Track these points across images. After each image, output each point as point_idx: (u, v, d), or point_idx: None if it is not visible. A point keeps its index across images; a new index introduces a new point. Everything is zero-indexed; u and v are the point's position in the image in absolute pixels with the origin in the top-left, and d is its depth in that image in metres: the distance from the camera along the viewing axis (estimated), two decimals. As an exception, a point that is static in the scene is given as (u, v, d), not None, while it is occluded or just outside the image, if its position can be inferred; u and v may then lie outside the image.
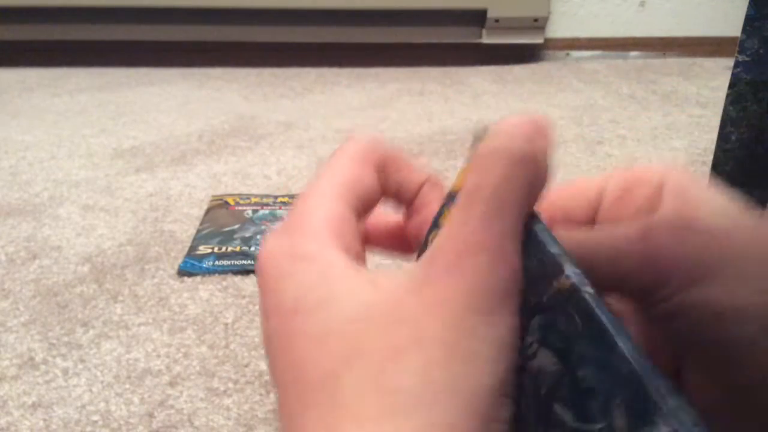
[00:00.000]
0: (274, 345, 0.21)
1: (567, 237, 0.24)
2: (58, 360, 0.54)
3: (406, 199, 0.26)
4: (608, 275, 0.23)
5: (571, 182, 0.29)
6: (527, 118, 0.24)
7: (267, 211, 0.78)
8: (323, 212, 0.23)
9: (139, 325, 0.58)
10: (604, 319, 0.21)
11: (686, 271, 0.22)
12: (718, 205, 0.25)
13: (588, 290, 0.21)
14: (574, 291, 0.21)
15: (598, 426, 0.21)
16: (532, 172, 0.22)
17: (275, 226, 0.23)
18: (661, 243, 0.23)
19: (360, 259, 0.22)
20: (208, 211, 0.78)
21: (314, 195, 0.23)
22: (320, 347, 0.20)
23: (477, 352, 0.19)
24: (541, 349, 0.22)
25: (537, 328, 0.22)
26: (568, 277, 0.21)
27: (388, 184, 0.25)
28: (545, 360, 0.22)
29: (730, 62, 0.88)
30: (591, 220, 0.28)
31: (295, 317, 0.21)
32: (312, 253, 0.22)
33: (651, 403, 0.19)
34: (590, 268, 0.23)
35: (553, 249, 0.22)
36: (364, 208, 0.24)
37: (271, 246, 0.22)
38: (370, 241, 0.28)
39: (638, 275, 0.23)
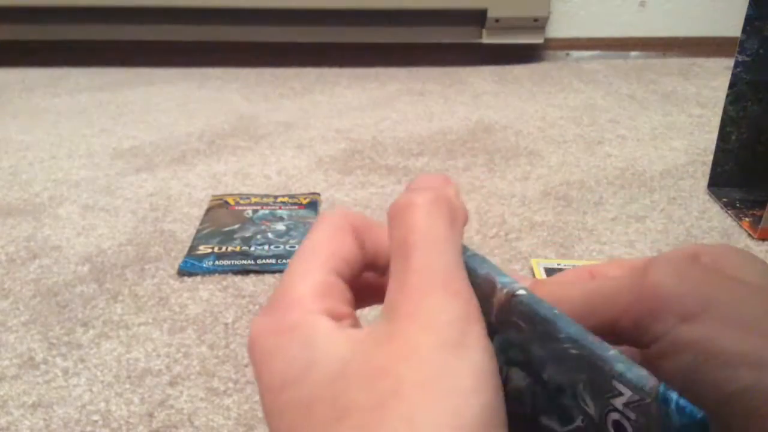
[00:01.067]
0: (269, 422, 0.22)
1: (573, 284, 0.25)
2: (58, 360, 0.54)
3: (384, 265, 0.27)
4: (607, 313, 0.24)
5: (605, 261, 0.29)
6: (430, 174, 0.25)
7: (267, 211, 0.78)
8: (306, 282, 0.23)
9: (139, 324, 0.58)
10: (542, 311, 0.21)
11: (682, 305, 0.22)
12: (749, 267, 0.25)
13: (522, 292, 0.22)
14: (511, 297, 0.22)
15: (579, 420, 0.21)
16: (449, 209, 0.23)
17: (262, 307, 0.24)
18: (659, 276, 0.23)
19: (348, 319, 0.23)
20: (208, 211, 0.78)
21: (296, 267, 0.24)
22: (309, 415, 0.20)
23: (456, 387, 0.19)
24: (510, 369, 0.23)
25: (499, 350, 0.23)
26: (502, 287, 0.22)
27: (365, 252, 0.26)
28: (517, 378, 0.23)
29: (730, 62, 0.88)
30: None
31: (283, 393, 0.21)
32: (295, 322, 0.22)
33: (606, 373, 0.19)
34: (590, 308, 0.23)
35: (483, 270, 0.23)
36: (350, 272, 0.25)
37: (257, 326, 0.23)
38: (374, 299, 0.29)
39: (634, 309, 0.23)
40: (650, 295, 0.23)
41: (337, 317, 0.22)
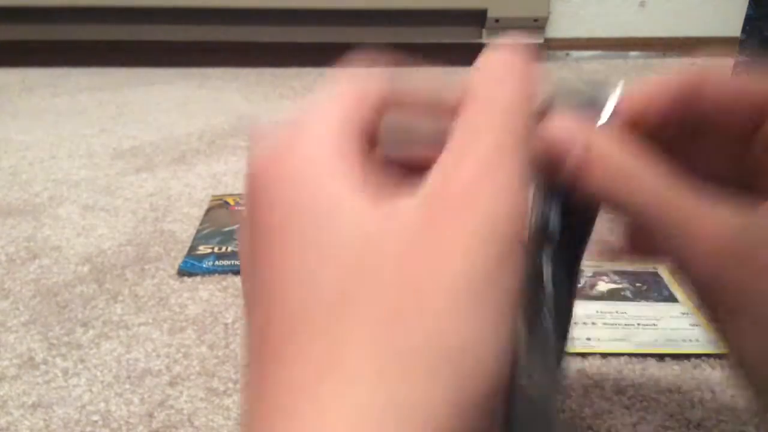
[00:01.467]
0: (255, 265, 0.18)
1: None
2: (58, 360, 0.54)
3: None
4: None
5: (732, 79, 0.25)
6: (518, 45, 0.22)
7: (267, 211, 0.78)
8: (324, 127, 0.19)
9: (139, 325, 0.58)
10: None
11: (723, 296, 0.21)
12: None
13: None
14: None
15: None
16: (531, 94, 0.20)
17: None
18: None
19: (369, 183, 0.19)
20: (208, 211, 0.78)
21: (317, 113, 0.20)
22: (313, 291, 0.17)
23: (485, 317, 0.17)
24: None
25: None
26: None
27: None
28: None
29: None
30: (750, 128, 0.25)
31: (284, 231, 0.18)
32: (307, 156, 0.19)
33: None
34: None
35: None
36: (369, 143, 0.21)
37: (257, 161, 0.19)
38: None
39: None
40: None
41: (363, 173, 0.19)
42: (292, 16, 1.46)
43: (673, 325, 0.54)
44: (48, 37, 1.46)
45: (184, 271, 0.66)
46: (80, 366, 0.53)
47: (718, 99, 0.25)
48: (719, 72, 0.26)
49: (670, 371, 0.50)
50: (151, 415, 0.48)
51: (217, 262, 0.67)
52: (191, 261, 0.67)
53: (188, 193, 0.84)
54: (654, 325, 0.54)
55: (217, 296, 0.62)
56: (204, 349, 0.55)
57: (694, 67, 0.27)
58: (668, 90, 0.26)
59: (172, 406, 0.49)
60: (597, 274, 0.62)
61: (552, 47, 1.58)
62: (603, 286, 0.60)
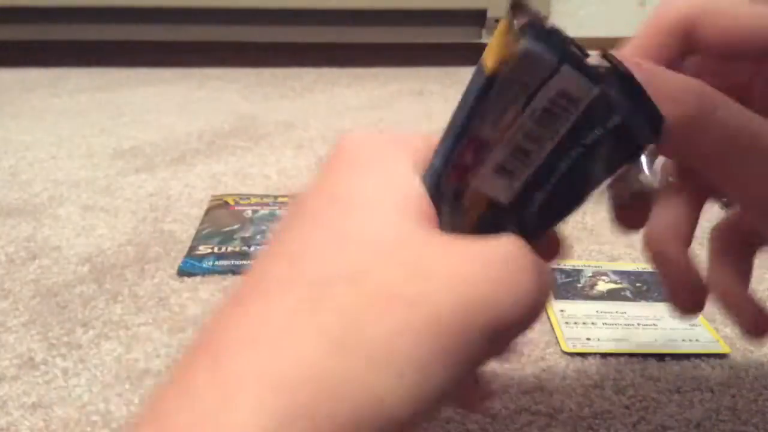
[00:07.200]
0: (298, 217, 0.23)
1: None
2: (58, 360, 0.53)
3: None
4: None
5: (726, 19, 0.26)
6: None
7: (267, 212, 0.78)
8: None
9: (139, 325, 0.58)
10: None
11: None
12: None
13: None
14: None
15: None
16: None
17: None
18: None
19: None
20: (208, 211, 0.78)
21: None
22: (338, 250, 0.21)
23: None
24: None
25: None
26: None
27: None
28: None
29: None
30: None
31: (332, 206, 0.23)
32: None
33: None
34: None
35: None
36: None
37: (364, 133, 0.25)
38: None
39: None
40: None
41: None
42: (292, 16, 1.46)
43: (673, 325, 0.54)
44: (48, 37, 1.46)
45: (184, 272, 0.66)
46: (80, 366, 0.53)
47: (717, 43, 0.25)
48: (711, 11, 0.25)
49: (670, 371, 0.50)
50: (151, 416, 0.48)
51: (217, 263, 0.67)
52: (191, 261, 0.67)
53: (188, 194, 0.84)
54: (654, 325, 0.54)
55: (217, 296, 0.62)
56: (204, 349, 0.55)
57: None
58: (657, 45, 0.26)
59: (172, 407, 0.49)
60: (597, 274, 0.62)
61: (552, 47, 1.58)
62: (603, 286, 0.60)
